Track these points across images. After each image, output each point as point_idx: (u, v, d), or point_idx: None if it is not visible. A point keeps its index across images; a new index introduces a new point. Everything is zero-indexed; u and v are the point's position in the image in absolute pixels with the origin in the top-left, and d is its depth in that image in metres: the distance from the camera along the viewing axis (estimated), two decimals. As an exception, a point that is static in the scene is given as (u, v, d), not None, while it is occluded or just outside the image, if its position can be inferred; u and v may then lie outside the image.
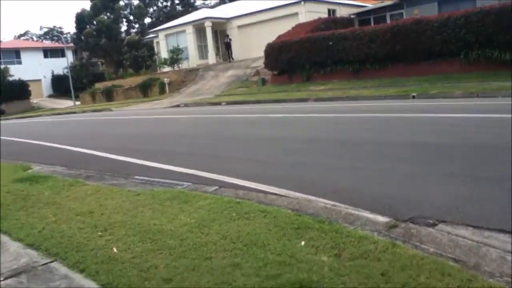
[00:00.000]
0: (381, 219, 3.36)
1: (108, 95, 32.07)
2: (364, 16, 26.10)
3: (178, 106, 19.81)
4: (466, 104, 10.00)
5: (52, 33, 71.64)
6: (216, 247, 2.95)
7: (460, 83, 14.13)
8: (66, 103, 41.50)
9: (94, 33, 45.47)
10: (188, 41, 31.93)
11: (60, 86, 48.34)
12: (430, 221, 3.29)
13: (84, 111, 25.42)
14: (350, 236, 2.96)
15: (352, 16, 26.34)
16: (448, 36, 15.79)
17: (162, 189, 4.60)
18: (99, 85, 35.17)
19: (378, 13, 25.51)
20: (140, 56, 39.59)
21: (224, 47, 30.96)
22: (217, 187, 4.66)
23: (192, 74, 28.88)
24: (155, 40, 36.25)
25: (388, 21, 23.54)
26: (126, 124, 13.83)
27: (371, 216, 3.44)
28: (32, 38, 76.51)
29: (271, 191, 4.38)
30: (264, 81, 22.81)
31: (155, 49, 36.67)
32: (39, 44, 58.80)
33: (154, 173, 5.64)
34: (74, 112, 26.09)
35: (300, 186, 4.49)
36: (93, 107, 27.23)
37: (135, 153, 7.25)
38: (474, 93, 11.79)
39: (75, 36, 52.01)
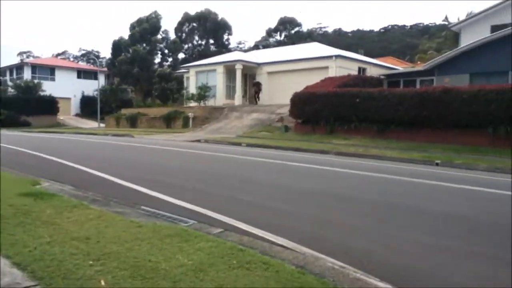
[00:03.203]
0: (391, 291, 3.10)
1: (133, 121, 32.51)
2: (394, 78, 26.14)
3: (198, 141, 19.83)
4: (491, 179, 9.65)
5: (89, 56, 74.24)
6: (209, 296, 2.73)
7: (486, 156, 13.80)
8: (91, 124, 42.26)
9: (128, 61, 46.82)
10: (218, 80, 32.50)
11: (88, 107, 49.38)
12: (446, 302, 3.01)
13: (106, 134, 25.70)
14: (355, 306, 2.71)
15: (382, 77, 26.45)
16: (478, 108, 15.60)
17: (166, 223, 4.43)
18: (125, 111, 35.73)
19: (408, 77, 25.56)
20: (168, 89, 40.36)
21: (253, 90, 31.64)
22: (222, 230, 4.46)
23: (217, 112, 29.14)
24: (185, 75, 37.01)
25: (418, 86, 23.51)
26: (143, 152, 13.82)
27: (380, 285, 3.18)
28: (69, 58, 79.38)
29: (277, 241, 4.17)
30: (287, 128, 22.78)
31: (184, 84, 37.37)
32: (74, 65, 60.78)
33: (161, 206, 5.48)
34: (96, 134, 26.40)
35: (310, 240, 4.27)
36: (115, 131, 27.53)
37: (146, 182, 7.13)
38: (499, 169, 11.43)
39: (109, 62, 53.63)
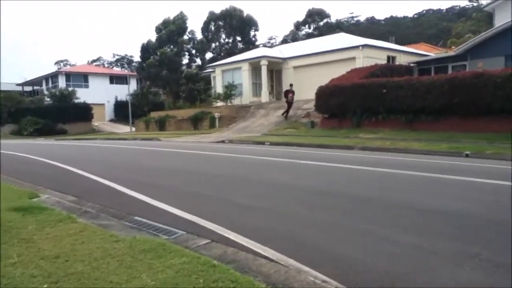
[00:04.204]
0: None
1: (161, 124, 32.77)
2: (424, 65, 25.17)
3: (223, 142, 19.70)
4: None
5: (122, 61, 75.75)
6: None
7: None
8: (125, 129, 43.09)
9: (157, 63, 47.28)
10: (243, 77, 32.28)
11: (121, 112, 50.17)
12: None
13: (135, 138, 26.01)
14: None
15: (412, 64, 25.48)
16: (511, 92, 14.67)
17: (145, 237, 4.21)
18: (154, 114, 36.07)
19: (439, 63, 24.51)
20: (196, 89, 40.42)
21: (287, 102, 25.79)
22: (209, 241, 4.24)
23: (243, 111, 28.96)
24: (212, 75, 37.02)
25: (450, 72, 22.48)
26: (163, 157, 13.78)
27: (358, 304, 2.83)
28: (103, 64, 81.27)
29: (263, 253, 3.88)
30: (313, 124, 22.30)
31: (212, 83, 37.36)
32: (106, 70, 62.11)
33: (156, 216, 5.30)
34: (125, 139, 26.78)
35: (300, 249, 4.00)
36: (144, 135, 27.84)
37: (151, 190, 6.98)
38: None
39: (138, 65, 54.43)
